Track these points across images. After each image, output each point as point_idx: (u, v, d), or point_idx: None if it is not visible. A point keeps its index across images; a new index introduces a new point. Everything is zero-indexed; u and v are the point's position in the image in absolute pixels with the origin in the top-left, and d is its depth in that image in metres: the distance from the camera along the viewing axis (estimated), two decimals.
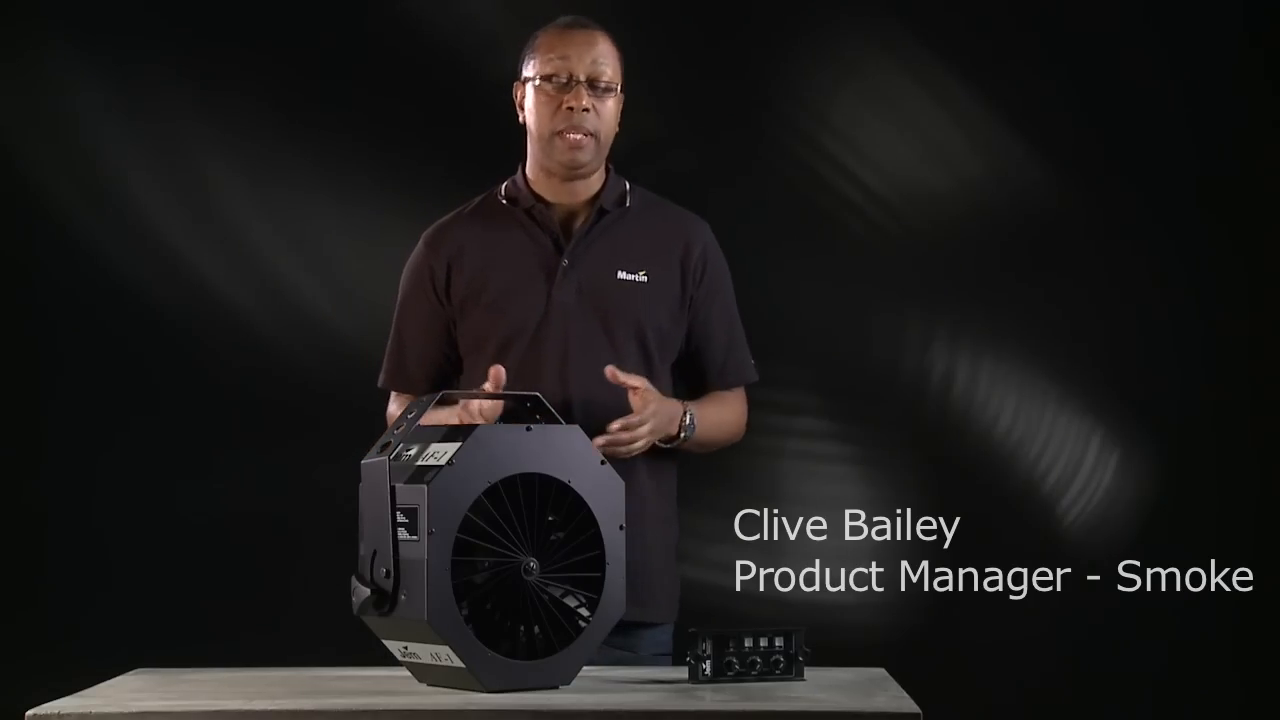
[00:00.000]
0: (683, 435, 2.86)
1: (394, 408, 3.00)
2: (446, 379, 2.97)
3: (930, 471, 4.03)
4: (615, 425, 2.73)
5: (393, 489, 2.29)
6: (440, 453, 2.29)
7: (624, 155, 3.98)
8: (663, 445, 2.85)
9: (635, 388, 2.76)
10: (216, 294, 4.00)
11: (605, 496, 2.36)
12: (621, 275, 2.91)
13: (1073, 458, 4.02)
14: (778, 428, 4.04)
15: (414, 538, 2.25)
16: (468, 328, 2.91)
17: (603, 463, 2.37)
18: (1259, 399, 4.02)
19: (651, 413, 2.77)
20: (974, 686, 3.93)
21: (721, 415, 2.98)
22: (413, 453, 2.34)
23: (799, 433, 4.04)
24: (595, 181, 2.95)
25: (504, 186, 2.98)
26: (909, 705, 2.19)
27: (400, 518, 2.27)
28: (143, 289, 3.99)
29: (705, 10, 4.08)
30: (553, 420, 2.43)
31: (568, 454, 2.35)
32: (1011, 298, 4.04)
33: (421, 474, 2.28)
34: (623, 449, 2.74)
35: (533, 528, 2.31)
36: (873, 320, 4.04)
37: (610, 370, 2.76)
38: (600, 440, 2.67)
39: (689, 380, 2.99)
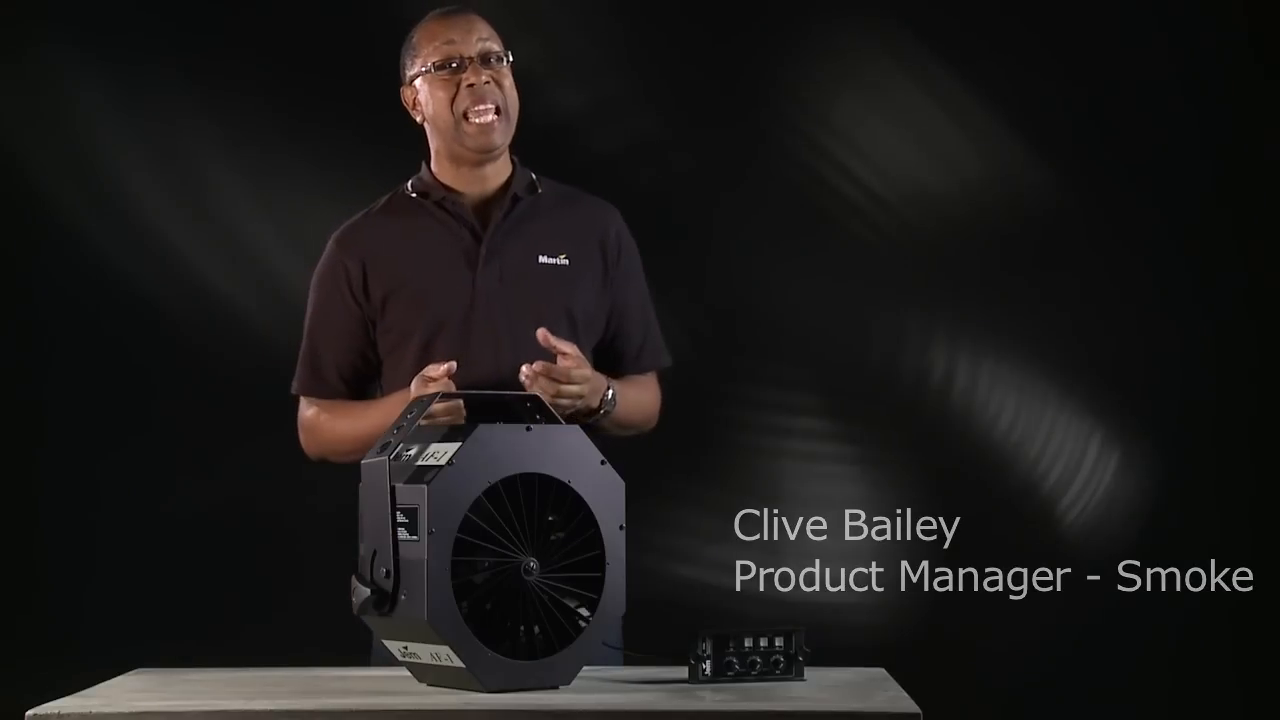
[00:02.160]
0: (603, 410, 2.83)
1: (309, 412, 2.97)
2: (364, 382, 2.94)
3: (930, 471, 4.03)
4: (541, 366, 2.69)
5: (393, 489, 2.29)
6: (440, 453, 2.29)
7: (624, 155, 4.01)
8: (583, 419, 2.82)
9: (565, 353, 2.73)
10: (216, 294, 4.00)
11: (605, 496, 2.35)
12: (543, 259, 2.89)
13: (1073, 458, 4.02)
14: (778, 428, 4.04)
15: (414, 538, 2.25)
16: (389, 324, 2.88)
17: (602, 463, 2.37)
18: (1259, 399, 4.02)
19: (583, 375, 2.75)
20: (974, 686, 3.93)
21: (641, 397, 2.96)
22: (413, 453, 2.34)
23: (799, 433, 4.04)
24: (504, 168, 2.93)
25: (409, 183, 2.96)
26: (909, 705, 2.19)
27: (400, 518, 2.27)
28: (143, 289, 3.99)
29: (706, 10, 4.08)
30: (553, 420, 2.43)
31: (568, 454, 2.34)
32: (1011, 298, 4.04)
33: (421, 474, 2.27)
34: (557, 398, 2.69)
35: (533, 528, 2.31)
36: (873, 320, 4.04)
37: (542, 333, 2.72)
38: (533, 370, 2.67)
39: (603, 364, 2.95)
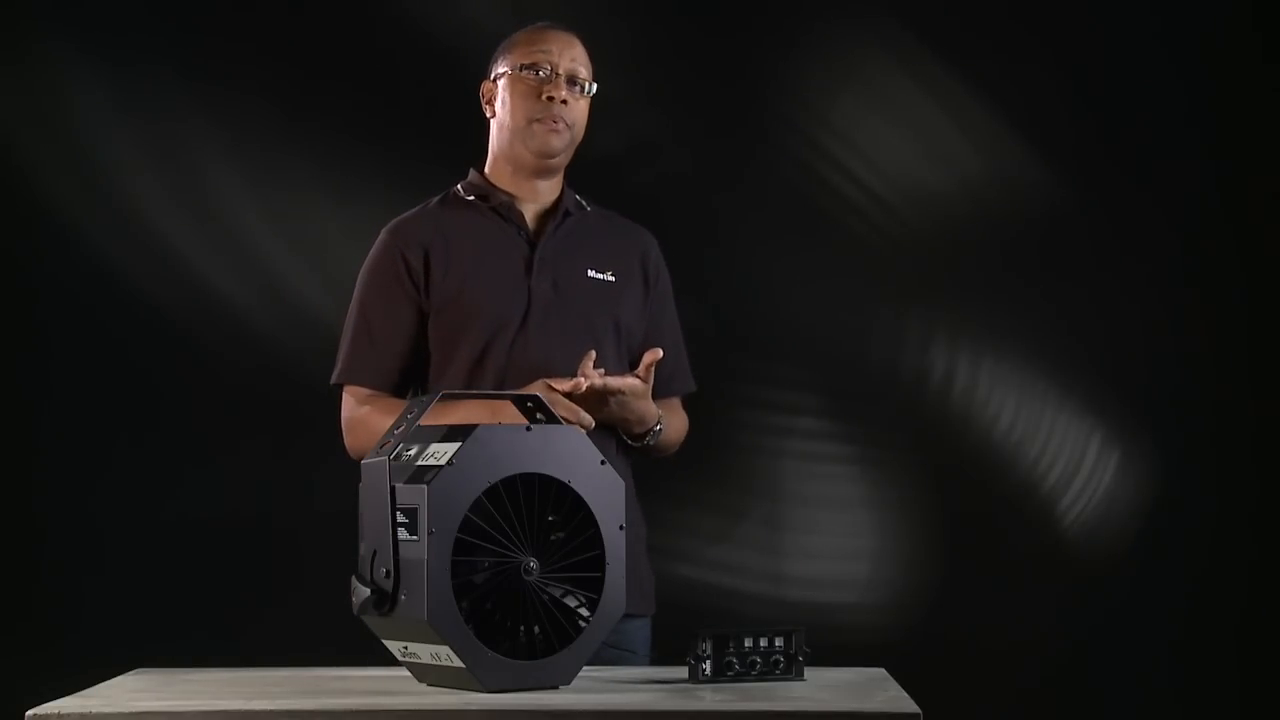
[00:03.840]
0: (647, 441, 2.91)
1: (362, 410, 2.91)
2: (412, 375, 2.93)
3: (930, 471, 4.03)
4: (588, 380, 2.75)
5: (393, 489, 2.29)
6: (440, 453, 2.29)
7: (624, 155, 4.01)
8: (631, 443, 2.91)
9: (640, 378, 2.80)
10: (216, 294, 4.00)
11: (605, 496, 2.35)
12: (592, 274, 2.94)
13: (1073, 458, 4.02)
14: (778, 428, 4.04)
15: (414, 538, 2.25)
16: (444, 322, 2.90)
17: (603, 463, 2.37)
18: (1259, 399, 4.02)
19: (632, 388, 2.79)
20: (974, 686, 3.93)
21: (677, 425, 3.04)
22: (413, 453, 2.34)
23: (799, 433, 4.04)
24: (556, 187, 2.99)
25: (460, 186, 2.99)
26: (909, 705, 2.19)
27: (400, 518, 2.27)
28: (143, 289, 3.99)
29: (705, 10, 4.09)
30: (553, 420, 2.43)
31: (568, 454, 2.34)
32: (1011, 298, 4.05)
33: (421, 474, 2.27)
34: (575, 412, 2.73)
35: (533, 528, 2.31)
36: (873, 320, 4.05)
37: (647, 361, 2.80)
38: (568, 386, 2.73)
39: None
